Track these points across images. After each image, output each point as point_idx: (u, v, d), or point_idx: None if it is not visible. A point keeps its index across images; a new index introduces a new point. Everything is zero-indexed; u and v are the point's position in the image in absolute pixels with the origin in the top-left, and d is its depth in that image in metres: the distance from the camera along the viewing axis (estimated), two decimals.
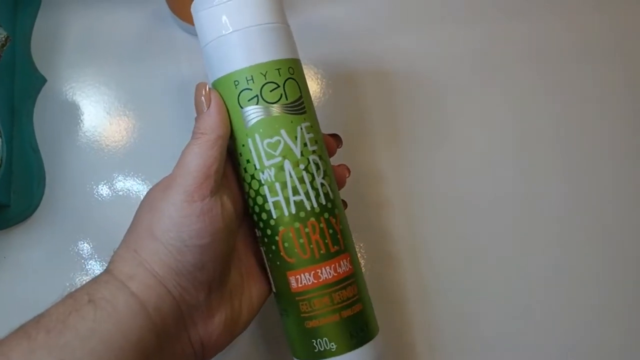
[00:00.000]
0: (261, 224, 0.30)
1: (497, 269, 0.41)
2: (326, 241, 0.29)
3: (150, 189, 0.29)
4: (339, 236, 0.30)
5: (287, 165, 0.29)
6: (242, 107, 0.29)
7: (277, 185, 0.29)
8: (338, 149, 0.34)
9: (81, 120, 0.42)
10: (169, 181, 0.28)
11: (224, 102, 0.30)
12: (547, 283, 0.41)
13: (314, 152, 0.30)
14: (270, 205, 0.29)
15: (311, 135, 0.30)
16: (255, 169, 0.29)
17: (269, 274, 0.31)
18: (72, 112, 0.42)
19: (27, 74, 0.42)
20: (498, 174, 0.43)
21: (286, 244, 0.29)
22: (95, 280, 0.27)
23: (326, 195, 0.30)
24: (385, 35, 0.45)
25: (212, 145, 0.28)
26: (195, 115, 0.30)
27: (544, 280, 0.41)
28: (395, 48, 0.45)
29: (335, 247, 0.30)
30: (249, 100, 0.29)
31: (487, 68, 0.45)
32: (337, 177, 0.32)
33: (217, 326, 0.29)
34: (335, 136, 0.34)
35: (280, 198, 0.29)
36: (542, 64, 0.46)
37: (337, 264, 0.30)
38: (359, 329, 0.30)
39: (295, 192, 0.29)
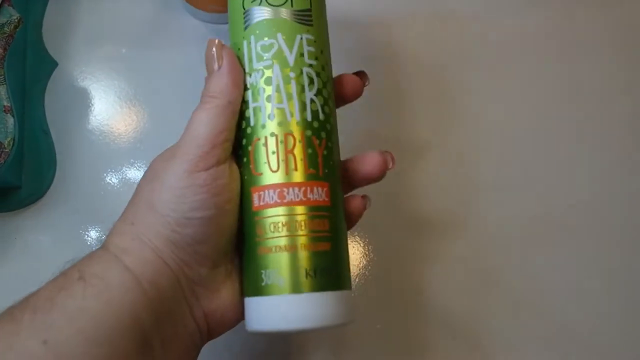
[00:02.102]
0: (240, 135, 0.27)
1: (506, 257, 0.41)
2: (301, 159, 0.26)
3: (154, 159, 0.27)
4: (318, 159, 0.27)
5: (276, 69, 0.27)
6: (245, 9, 0.28)
7: (261, 90, 0.27)
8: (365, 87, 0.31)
9: (92, 105, 0.42)
10: (173, 150, 0.26)
11: (238, 60, 0.27)
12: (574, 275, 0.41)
13: (310, 65, 0.28)
14: (250, 112, 0.27)
15: (312, 49, 0.28)
16: (244, 72, 0.28)
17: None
18: (83, 97, 0.43)
19: (38, 57, 0.42)
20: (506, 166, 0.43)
21: (257, 155, 0.27)
22: (90, 255, 0.25)
23: (314, 112, 0.27)
24: (395, 23, 0.45)
25: (221, 112, 0.26)
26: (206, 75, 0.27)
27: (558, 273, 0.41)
28: (407, 36, 0.45)
29: (311, 169, 0.26)
30: (252, 2, 0.28)
31: (496, 59, 0.45)
32: (371, 169, 0.29)
33: (223, 302, 0.27)
34: (360, 73, 0.31)
35: (262, 103, 0.27)
36: (549, 57, 0.46)
37: (308, 188, 0.26)
38: (320, 272, 0.25)
39: (279, 99, 0.27)
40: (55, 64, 0.43)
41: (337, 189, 0.28)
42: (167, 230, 0.25)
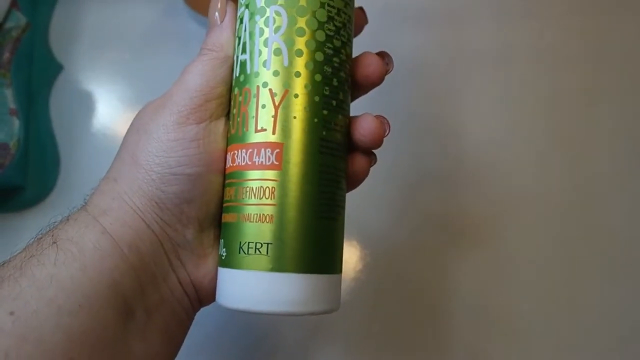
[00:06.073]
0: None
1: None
2: (252, 116, 0.23)
3: (142, 108, 0.25)
4: (273, 117, 0.23)
5: (246, 14, 0.24)
6: None
7: (236, 41, 0.25)
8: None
9: (96, 108, 0.43)
10: (164, 100, 0.24)
11: None
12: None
13: (283, 2, 0.23)
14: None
15: None
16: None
17: None
18: (88, 100, 0.43)
19: (44, 61, 0.43)
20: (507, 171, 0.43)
21: (230, 115, 0.25)
22: (67, 218, 0.24)
23: (275, 59, 0.23)
24: (399, 32, 0.46)
25: (219, 65, 0.24)
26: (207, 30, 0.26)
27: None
28: (410, 44, 0.45)
29: (263, 127, 0.23)
30: None
31: (501, 66, 0.46)
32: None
33: (212, 268, 0.25)
34: (384, 55, 0.27)
35: (235, 57, 0.25)
36: (552, 64, 0.46)
37: (254, 151, 0.23)
38: (255, 248, 0.22)
39: (244, 49, 0.24)
40: (60, 68, 0.43)
41: (300, 150, 0.23)
42: (151, 188, 0.23)
